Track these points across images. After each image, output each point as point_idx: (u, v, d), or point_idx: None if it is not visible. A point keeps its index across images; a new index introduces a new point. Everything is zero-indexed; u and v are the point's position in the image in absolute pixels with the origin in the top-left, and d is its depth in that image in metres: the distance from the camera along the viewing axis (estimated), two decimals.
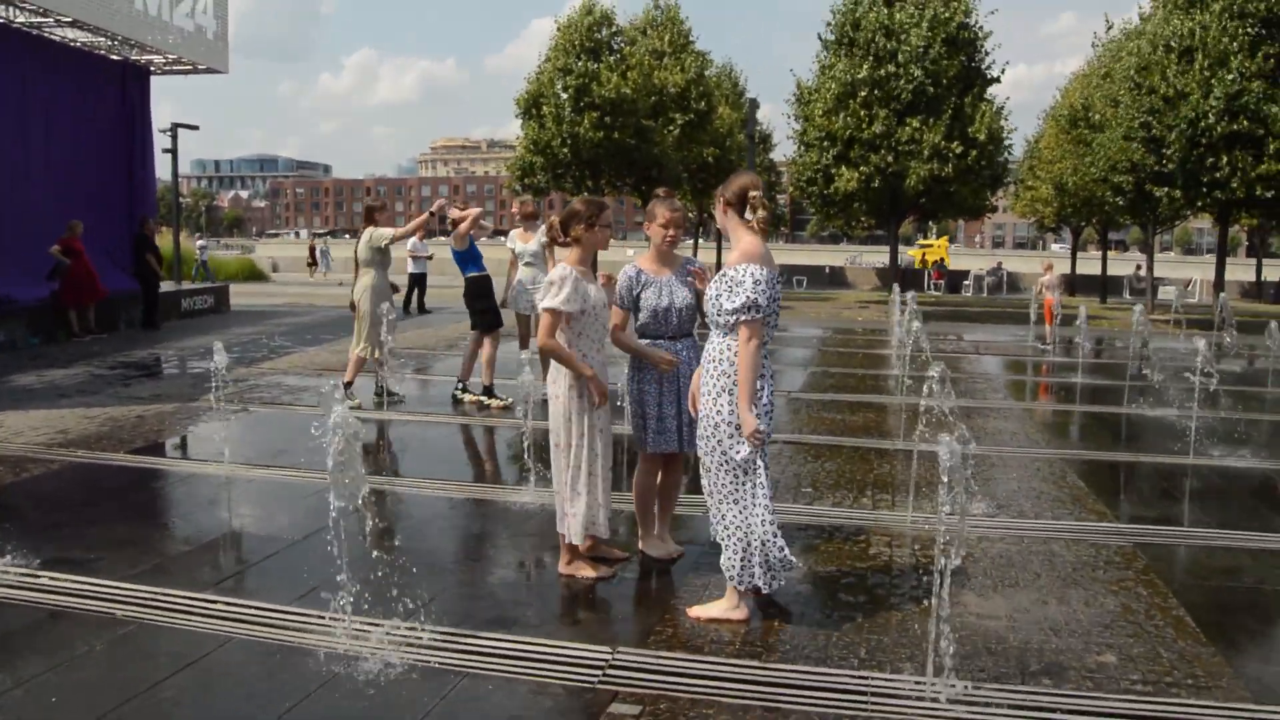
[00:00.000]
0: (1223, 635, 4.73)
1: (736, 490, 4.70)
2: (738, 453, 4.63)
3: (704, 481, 4.83)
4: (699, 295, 5.31)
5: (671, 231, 5.37)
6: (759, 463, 4.67)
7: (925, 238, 60.13)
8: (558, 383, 5.15)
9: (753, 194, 4.69)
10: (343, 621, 4.44)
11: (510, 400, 10.25)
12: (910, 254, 56.70)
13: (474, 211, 10.30)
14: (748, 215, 4.69)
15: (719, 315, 4.64)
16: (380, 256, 10.07)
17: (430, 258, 23.92)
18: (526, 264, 10.58)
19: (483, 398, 10.39)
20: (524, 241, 10.62)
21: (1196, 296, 40.69)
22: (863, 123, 27.69)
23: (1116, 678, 4.23)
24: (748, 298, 4.51)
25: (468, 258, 10.34)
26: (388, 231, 10.02)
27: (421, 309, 23.11)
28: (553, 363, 5.16)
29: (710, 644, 4.48)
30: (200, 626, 4.59)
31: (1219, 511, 7.11)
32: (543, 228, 9.63)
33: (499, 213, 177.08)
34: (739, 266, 4.61)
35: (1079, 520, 6.64)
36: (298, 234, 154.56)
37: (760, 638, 4.56)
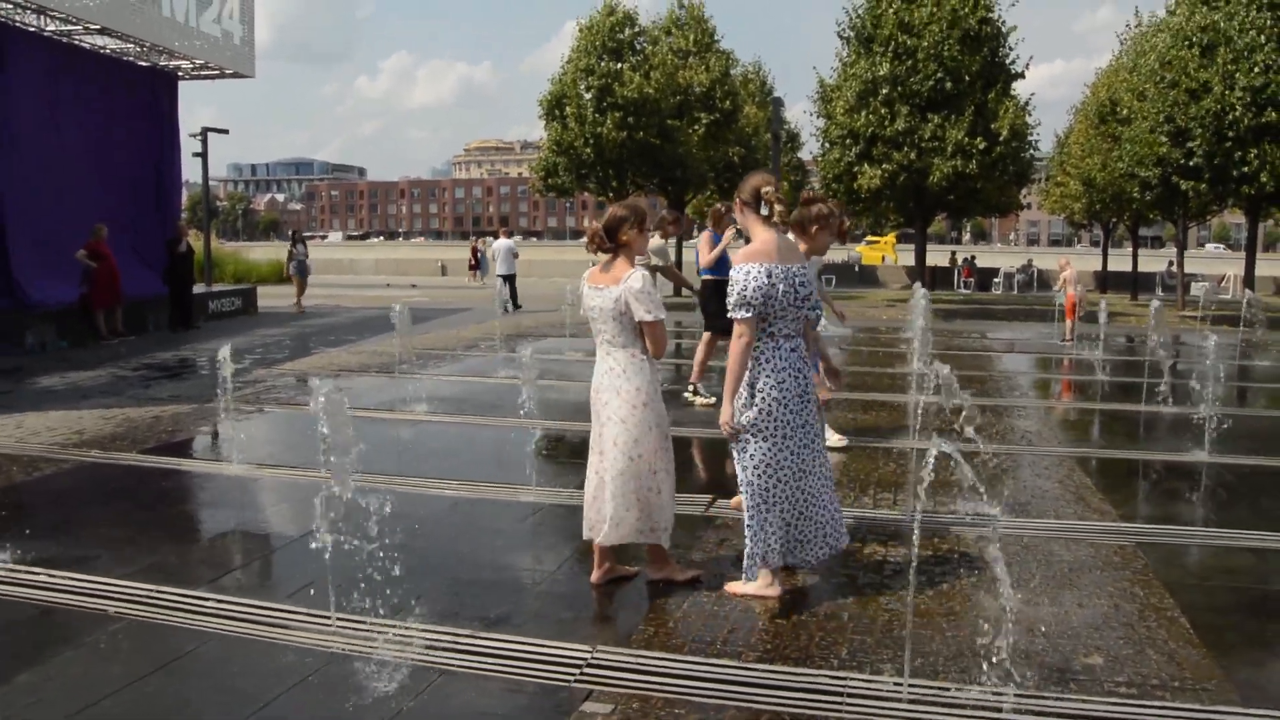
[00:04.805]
0: (1217, 637, 4.66)
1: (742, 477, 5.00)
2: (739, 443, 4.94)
3: None
4: None
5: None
6: (754, 452, 4.90)
7: (881, 237, 58.49)
8: (644, 390, 4.96)
9: (765, 190, 4.94)
10: (328, 619, 4.49)
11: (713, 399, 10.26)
12: (857, 250, 56.50)
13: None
14: (763, 211, 4.93)
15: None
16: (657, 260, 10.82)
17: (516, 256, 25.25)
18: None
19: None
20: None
21: (1230, 293, 40.10)
22: (884, 120, 27.53)
23: (1101, 680, 4.18)
24: (737, 296, 4.77)
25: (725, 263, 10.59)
26: (668, 253, 11.10)
27: (515, 305, 23.81)
28: (631, 371, 4.96)
29: (691, 644, 4.48)
30: (190, 624, 4.66)
31: (1228, 510, 7.00)
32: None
33: (532, 213, 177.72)
34: (737, 266, 4.88)
35: (1081, 519, 6.57)
36: (323, 237, 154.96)
37: (743, 638, 4.55)
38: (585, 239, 5.16)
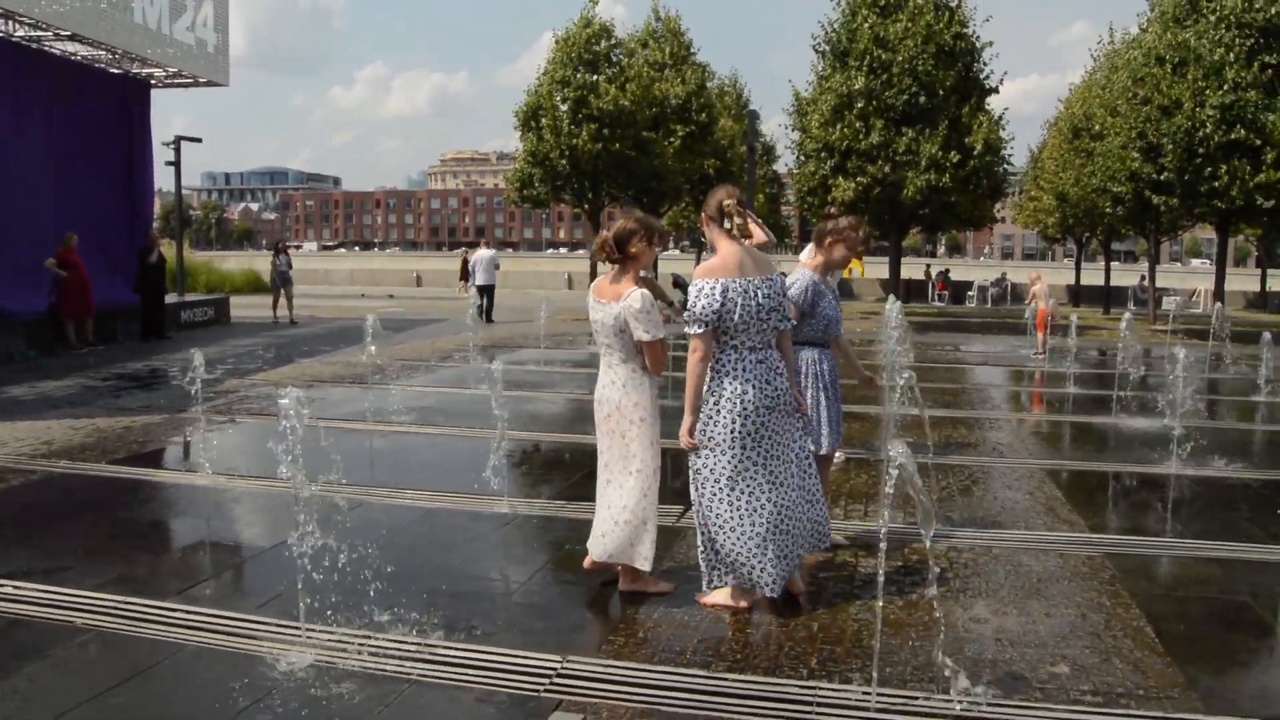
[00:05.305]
0: (1181, 646, 4.72)
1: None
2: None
3: None
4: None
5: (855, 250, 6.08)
6: (695, 466, 4.97)
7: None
8: (643, 405, 5.04)
9: (726, 203, 4.94)
10: (298, 630, 4.48)
11: None
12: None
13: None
14: (725, 225, 4.92)
15: None
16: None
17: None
18: None
19: None
20: None
21: (1201, 307, 40.56)
22: (859, 133, 27.70)
23: (1067, 688, 4.22)
24: (689, 312, 4.81)
25: None
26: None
27: (489, 319, 23.78)
28: (631, 386, 5.05)
29: (661, 653, 4.49)
30: (159, 635, 4.62)
31: (1194, 521, 7.09)
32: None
33: (508, 224, 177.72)
34: (693, 282, 4.91)
35: (1050, 530, 6.63)
36: (297, 247, 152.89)
37: (713, 647, 4.57)
38: (594, 247, 5.22)
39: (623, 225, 5.08)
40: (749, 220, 5.07)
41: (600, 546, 5.16)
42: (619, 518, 5.07)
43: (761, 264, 4.96)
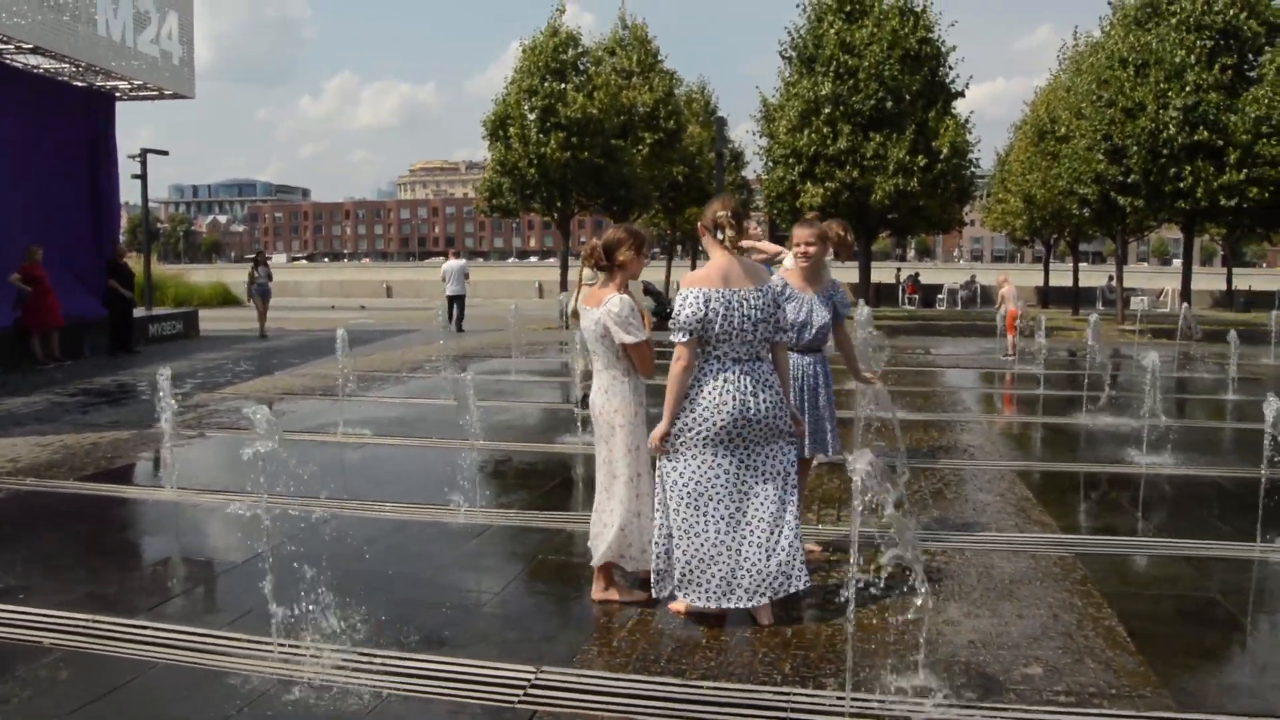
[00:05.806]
0: (1153, 645, 4.75)
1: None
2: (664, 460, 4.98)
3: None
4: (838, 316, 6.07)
5: (811, 250, 5.91)
6: (664, 470, 4.95)
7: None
8: (622, 412, 5.08)
9: (720, 214, 4.97)
10: (269, 645, 4.43)
11: None
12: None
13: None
14: (718, 235, 4.95)
15: None
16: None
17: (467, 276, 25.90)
18: None
19: None
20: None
21: (1169, 306, 41.00)
22: (827, 139, 27.84)
23: (1041, 689, 4.24)
24: (674, 320, 4.84)
25: None
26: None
27: (459, 329, 23.76)
28: (612, 392, 5.11)
29: (636, 662, 4.48)
30: (129, 653, 4.57)
31: (1165, 520, 7.15)
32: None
33: (478, 233, 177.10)
34: (681, 290, 4.95)
35: (1021, 531, 6.67)
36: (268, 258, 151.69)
37: (687, 655, 4.56)
38: (582, 255, 5.26)
39: (612, 234, 5.17)
40: (748, 238, 5.12)
41: (594, 550, 5.24)
42: (607, 521, 5.15)
43: (754, 275, 4.97)
